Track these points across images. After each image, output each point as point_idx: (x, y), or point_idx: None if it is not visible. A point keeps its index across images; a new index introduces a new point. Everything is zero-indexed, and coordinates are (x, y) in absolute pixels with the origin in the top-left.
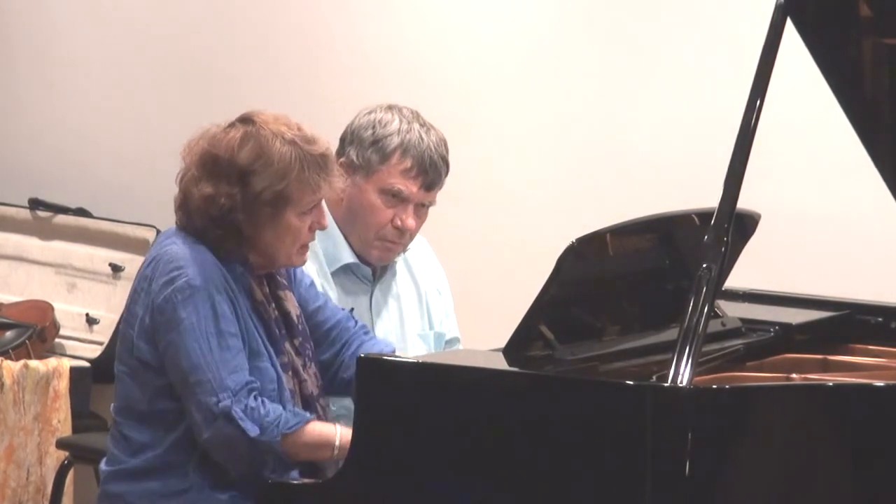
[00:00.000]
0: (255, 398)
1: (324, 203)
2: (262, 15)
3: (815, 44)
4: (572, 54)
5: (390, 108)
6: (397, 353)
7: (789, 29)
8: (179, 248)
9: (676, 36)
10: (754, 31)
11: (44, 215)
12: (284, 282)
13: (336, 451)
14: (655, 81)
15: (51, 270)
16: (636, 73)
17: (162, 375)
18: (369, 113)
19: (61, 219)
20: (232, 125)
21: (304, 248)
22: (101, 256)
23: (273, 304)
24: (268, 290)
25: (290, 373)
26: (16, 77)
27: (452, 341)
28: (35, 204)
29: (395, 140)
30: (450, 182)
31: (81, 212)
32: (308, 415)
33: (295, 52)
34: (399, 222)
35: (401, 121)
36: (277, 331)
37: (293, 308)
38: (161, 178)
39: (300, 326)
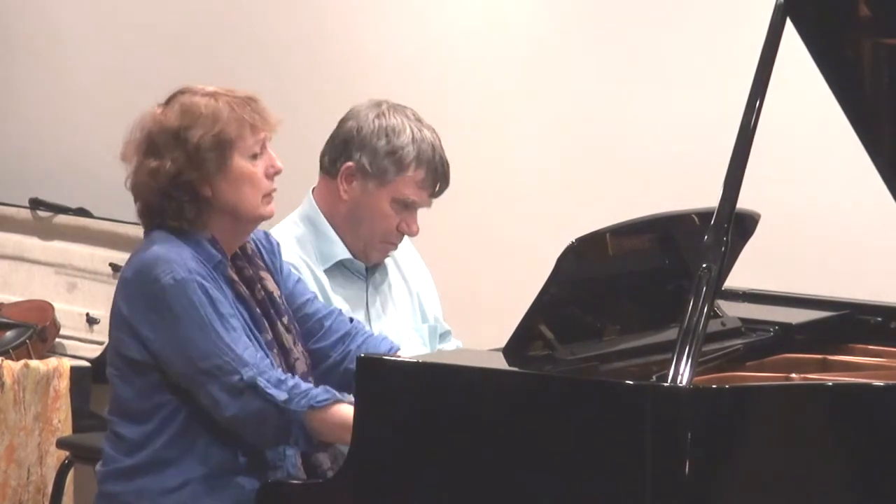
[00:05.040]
0: (282, 372)
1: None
2: (264, 16)
3: (815, 44)
4: (571, 54)
5: (394, 109)
6: (399, 353)
7: (789, 29)
8: (158, 248)
9: (676, 36)
10: (754, 31)
11: (44, 215)
12: (262, 263)
13: None
14: (654, 81)
15: (51, 270)
16: (635, 72)
17: (153, 372)
18: (377, 117)
19: (61, 219)
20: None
21: (268, 197)
22: (101, 256)
23: (259, 285)
24: (251, 272)
25: (281, 354)
26: (16, 77)
27: (445, 335)
28: (35, 204)
29: (411, 151)
30: (451, 182)
31: (81, 212)
32: (340, 394)
33: (297, 54)
34: (405, 227)
35: (411, 129)
36: (265, 311)
37: (274, 289)
38: None
39: (283, 306)
